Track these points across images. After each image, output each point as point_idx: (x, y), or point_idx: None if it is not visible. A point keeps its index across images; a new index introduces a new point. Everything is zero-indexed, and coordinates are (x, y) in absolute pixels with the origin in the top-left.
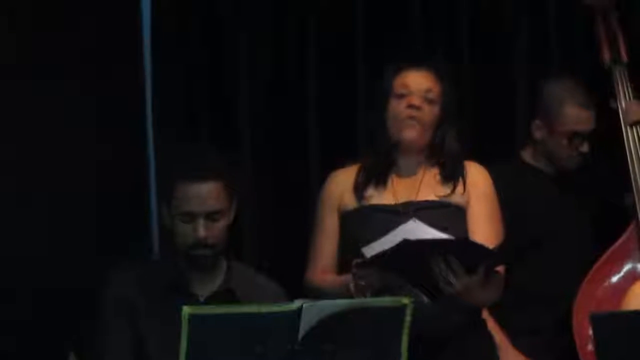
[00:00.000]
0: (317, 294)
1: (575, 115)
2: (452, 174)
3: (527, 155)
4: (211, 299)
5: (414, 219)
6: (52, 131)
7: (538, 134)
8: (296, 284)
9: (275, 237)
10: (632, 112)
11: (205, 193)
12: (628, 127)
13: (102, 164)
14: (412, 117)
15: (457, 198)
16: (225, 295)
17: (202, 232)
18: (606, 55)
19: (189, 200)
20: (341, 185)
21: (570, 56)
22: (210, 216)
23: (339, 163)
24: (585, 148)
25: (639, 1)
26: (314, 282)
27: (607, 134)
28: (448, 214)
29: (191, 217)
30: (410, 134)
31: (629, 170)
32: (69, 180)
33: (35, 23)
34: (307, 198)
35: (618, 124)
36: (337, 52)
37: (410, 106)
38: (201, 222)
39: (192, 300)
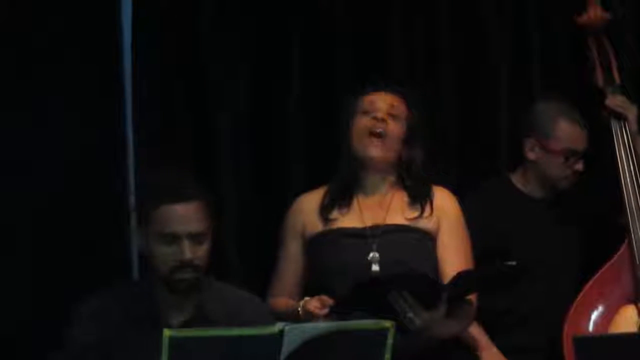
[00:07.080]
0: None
1: (571, 132)
2: (419, 196)
3: (516, 179)
4: (184, 326)
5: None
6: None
7: (531, 155)
8: None
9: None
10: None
11: (189, 214)
12: (614, 122)
13: (81, 188)
14: (376, 134)
15: (424, 223)
16: (199, 321)
17: (187, 253)
18: (599, 78)
19: (172, 221)
20: (305, 210)
21: (553, 78)
22: (195, 238)
23: None
24: (580, 167)
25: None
26: (272, 308)
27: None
28: (415, 239)
29: (174, 238)
30: (375, 151)
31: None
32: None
33: None
34: None
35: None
36: (320, 83)
37: (374, 119)
38: (186, 243)
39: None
